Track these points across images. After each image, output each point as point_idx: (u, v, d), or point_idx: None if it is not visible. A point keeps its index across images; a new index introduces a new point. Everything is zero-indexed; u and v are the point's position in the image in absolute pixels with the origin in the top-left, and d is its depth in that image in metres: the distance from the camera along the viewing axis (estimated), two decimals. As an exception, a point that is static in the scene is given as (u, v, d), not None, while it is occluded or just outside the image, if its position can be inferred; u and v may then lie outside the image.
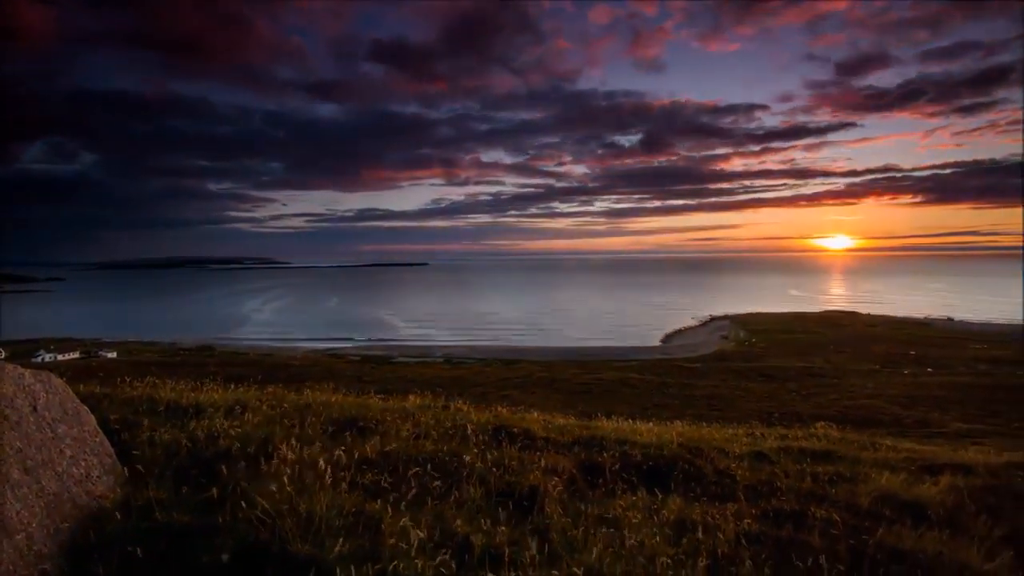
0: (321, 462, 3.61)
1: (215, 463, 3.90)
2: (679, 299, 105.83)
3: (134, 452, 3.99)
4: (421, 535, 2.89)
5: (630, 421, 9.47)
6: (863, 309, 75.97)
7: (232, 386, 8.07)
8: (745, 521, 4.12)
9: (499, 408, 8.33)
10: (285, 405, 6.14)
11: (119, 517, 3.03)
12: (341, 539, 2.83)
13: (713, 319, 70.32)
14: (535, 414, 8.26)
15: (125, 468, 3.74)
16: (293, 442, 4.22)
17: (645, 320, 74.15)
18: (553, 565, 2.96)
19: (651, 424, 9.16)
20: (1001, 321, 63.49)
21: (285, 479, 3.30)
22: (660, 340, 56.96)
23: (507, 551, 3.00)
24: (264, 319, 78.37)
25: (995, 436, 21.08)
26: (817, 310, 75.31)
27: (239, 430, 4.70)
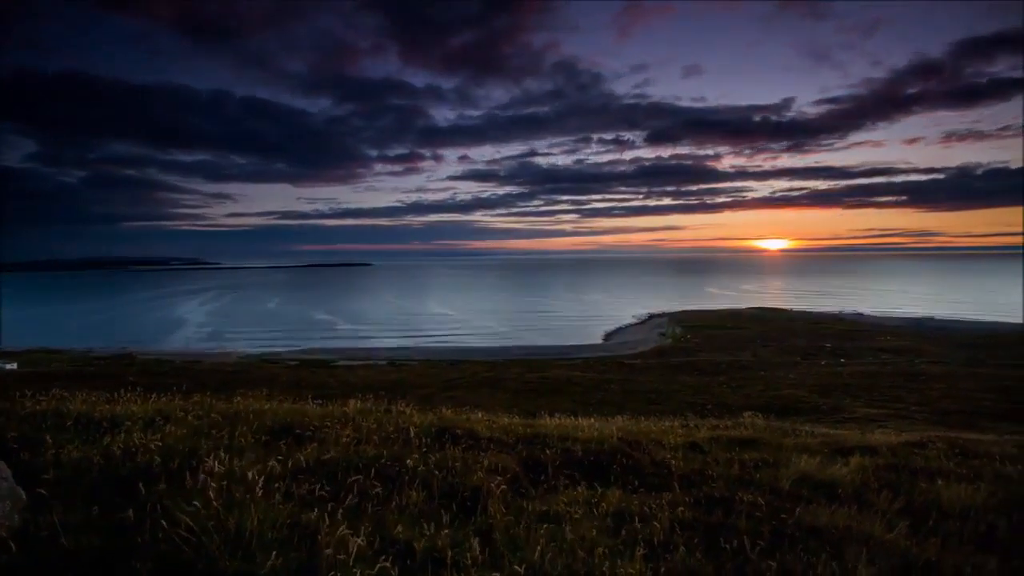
0: (252, 473, 3.44)
1: (133, 481, 3.62)
2: (621, 297, 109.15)
3: (34, 473, 3.63)
4: (360, 543, 2.82)
5: (572, 418, 9.70)
6: (786, 305, 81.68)
7: (154, 396, 7.54)
8: (679, 509, 4.32)
9: (443, 409, 8.28)
10: (213, 415, 5.80)
11: (16, 546, 2.74)
12: (274, 553, 2.71)
13: (652, 316, 73.03)
14: (479, 414, 8.28)
15: (25, 492, 3.39)
16: (221, 454, 4.00)
17: (588, 318, 75.91)
18: (495, 565, 2.97)
19: (592, 420, 9.43)
20: (901, 314, 70.35)
21: (211, 494, 3.12)
22: (602, 338, 58.45)
23: (449, 553, 2.99)
24: (193, 324, 73.20)
25: (896, 419, 23.28)
26: (745, 307, 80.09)
27: (160, 444, 4.39)
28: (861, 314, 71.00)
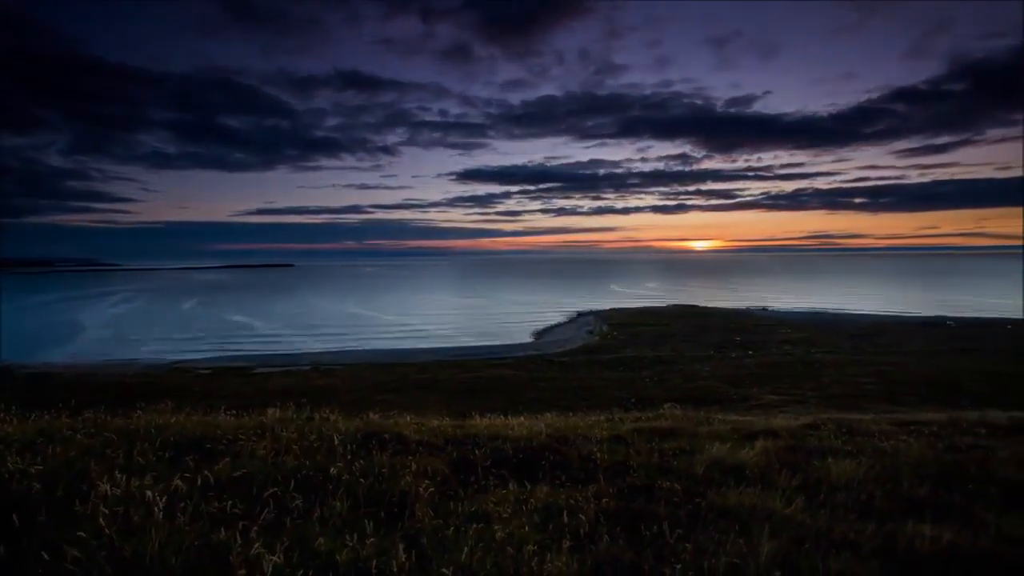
0: (153, 494, 3.15)
1: (6, 513, 3.19)
2: (552, 296, 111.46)
3: None
4: (276, 560, 2.67)
5: (504, 417, 9.78)
6: (701, 302, 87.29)
7: (35, 415, 6.70)
8: (604, 500, 4.48)
9: (370, 414, 8.05)
10: (107, 432, 5.24)
11: None
12: (179, 579, 2.51)
13: (580, 315, 75.17)
14: (408, 418, 8.13)
15: None
16: (117, 475, 3.62)
17: (519, 318, 76.71)
18: (423, 569, 2.93)
19: (523, 418, 9.56)
20: (801, 309, 77.55)
21: (103, 520, 2.82)
22: (532, 337, 59.34)
23: (375, 562, 2.91)
24: (88, 332, 65.68)
25: (795, 404, 25.63)
26: (664, 304, 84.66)
27: (42, 468, 3.90)
28: (766, 309, 77.43)
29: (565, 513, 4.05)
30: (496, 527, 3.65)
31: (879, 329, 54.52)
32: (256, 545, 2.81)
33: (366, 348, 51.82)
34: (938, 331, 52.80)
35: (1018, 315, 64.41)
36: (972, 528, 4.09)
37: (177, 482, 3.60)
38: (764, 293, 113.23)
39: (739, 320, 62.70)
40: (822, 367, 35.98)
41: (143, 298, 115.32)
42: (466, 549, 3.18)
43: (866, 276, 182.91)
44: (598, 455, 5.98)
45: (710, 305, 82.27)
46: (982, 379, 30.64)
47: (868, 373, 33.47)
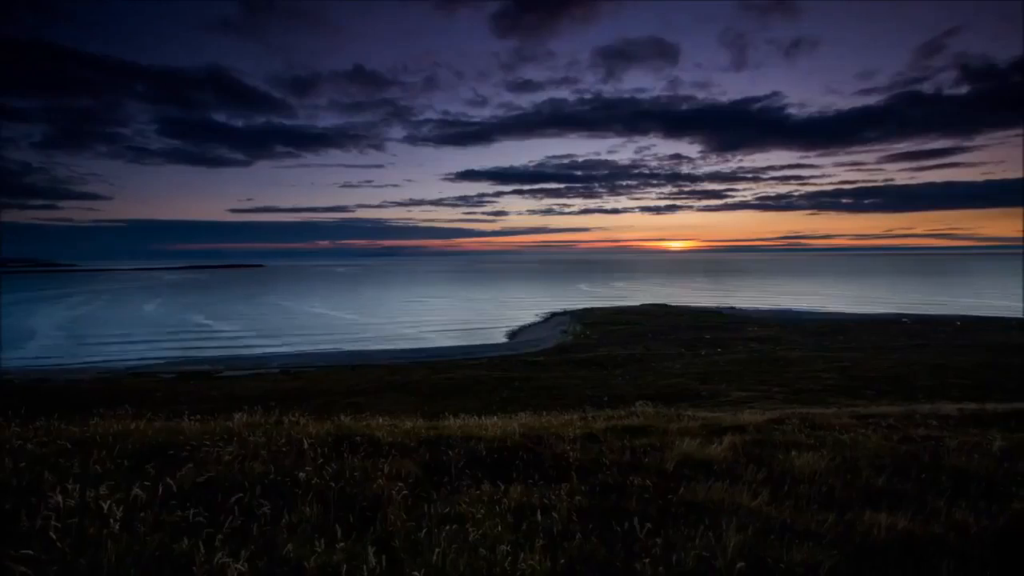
0: (110, 504, 3.02)
1: (-54, 528, 3.01)
2: (528, 296, 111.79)
3: None
4: (241, 568, 2.60)
5: (477, 417, 9.77)
6: (673, 301, 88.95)
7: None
8: (576, 498, 4.52)
9: (341, 417, 7.92)
10: (61, 441, 5.01)
11: None
12: (138, 592, 2.41)
13: (554, 315, 75.59)
14: (381, 420, 8.03)
15: None
16: (71, 485, 3.46)
17: (493, 318, 76.61)
18: (394, 573, 2.90)
19: (496, 418, 9.55)
20: (770, 308, 79.90)
21: (54, 534, 2.69)
22: (506, 337, 59.38)
23: (345, 567, 2.86)
24: (42, 335, 62.51)
25: (762, 400, 26.39)
26: (637, 304, 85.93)
27: (-13, 480, 3.70)
28: (734, 308, 79.49)
29: (539, 512, 4.06)
30: (469, 528, 3.64)
31: (840, 326, 56.62)
32: (220, 554, 2.72)
33: (337, 350, 50.92)
34: (894, 328, 55.19)
35: (968, 311, 67.92)
36: (925, 515, 4.29)
37: (137, 491, 3.46)
38: (735, 292, 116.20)
39: (709, 319, 64.13)
40: (787, 363, 37.13)
41: (103, 299, 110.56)
42: (438, 551, 3.16)
43: (837, 275, 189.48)
44: (571, 454, 6.02)
45: (682, 304, 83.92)
46: (933, 373, 32.17)
47: (830, 369, 34.71)
